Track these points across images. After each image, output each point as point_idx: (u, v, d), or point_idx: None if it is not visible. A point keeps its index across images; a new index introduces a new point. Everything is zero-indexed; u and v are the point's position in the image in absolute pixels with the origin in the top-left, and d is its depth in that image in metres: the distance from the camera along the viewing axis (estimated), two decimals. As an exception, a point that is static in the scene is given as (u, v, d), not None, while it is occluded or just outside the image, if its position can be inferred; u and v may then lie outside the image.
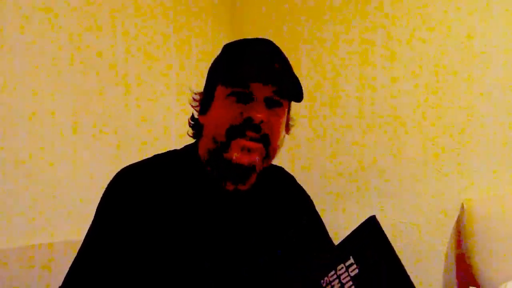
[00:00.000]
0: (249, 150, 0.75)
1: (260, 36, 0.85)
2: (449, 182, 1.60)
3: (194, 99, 0.85)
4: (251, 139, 0.75)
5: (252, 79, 0.75)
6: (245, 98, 0.76)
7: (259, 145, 0.76)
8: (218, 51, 0.86)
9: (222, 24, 2.01)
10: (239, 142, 0.75)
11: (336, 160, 1.81)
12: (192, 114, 0.87)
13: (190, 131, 0.87)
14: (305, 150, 1.85)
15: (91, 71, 1.48)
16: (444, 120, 1.61)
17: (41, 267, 1.17)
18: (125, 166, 0.80)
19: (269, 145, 0.78)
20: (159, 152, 0.86)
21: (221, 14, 2.02)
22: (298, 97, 0.79)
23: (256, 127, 0.75)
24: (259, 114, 0.75)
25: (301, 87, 0.78)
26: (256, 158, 0.76)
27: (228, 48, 0.83)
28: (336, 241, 0.95)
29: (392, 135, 1.70)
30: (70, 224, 1.34)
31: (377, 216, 1.89)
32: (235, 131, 0.75)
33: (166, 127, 1.69)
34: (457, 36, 1.59)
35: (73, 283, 0.74)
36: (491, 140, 1.54)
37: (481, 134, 1.56)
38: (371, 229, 0.67)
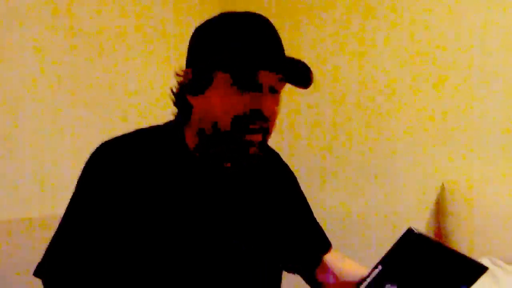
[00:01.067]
0: (252, 144, 0.74)
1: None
2: (430, 163, 1.63)
3: (178, 74, 0.80)
4: (256, 131, 0.74)
5: (263, 68, 0.71)
6: (251, 87, 0.72)
7: (260, 137, 0.74)
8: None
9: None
10: (245, 136, 0.73)
11: (321, 141, 1.82)
12: (173, 91, 0.81)
13: (174, 110, 0.83)
14: (292, 130, 1.86)
15: (78, 43, 1.45)
16: (427, 102, 1.63)
17: (24, 241, 1.16)
18: (106, 140, 0.79)
19: (268, 133, 0.76)
20: (144, 126, 0.84)
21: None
22: (309, 83, 0.75)
23: (265, 118, 0.73)
24: (269, 106, 0.73)
25: (312, 74, 0.74)
26: (257, 150, 0.75)
27: (225, 27, 0.76)
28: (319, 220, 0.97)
29: (375, 116, 1.71)
30: (55, 198, 1.32)
31: (359, 197, 1.92)
32: (241, 122, 0.73)
33: (154, 100, 1.66)
34: (440, 23, 1.60)
35: (52, 261, 0.73)
36: (473, 123, 1.56)
37: (463, 117, 1.58)
38: (410, 242, 0.55)
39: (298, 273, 0.92)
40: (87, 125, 1.45)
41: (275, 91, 0.76)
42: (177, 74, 0.80)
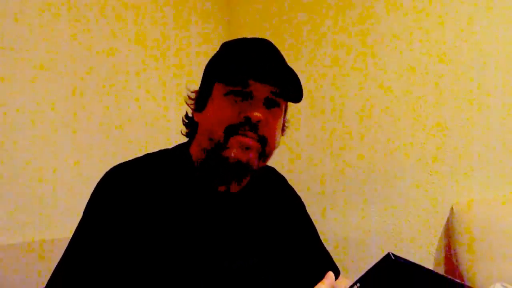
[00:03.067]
0: (247, 148, 0.74)
1: (257, 35, 0.84)
2: (439, 185, 1.61)
3: (189, 97, 0.84)
4: (249, 137, 0.75)
5: (252, 77, 0.74)
6: (243, 97, 0.75)
7: (257, 144, 0.75)
8: (214, 49, 0.85)
9: (218, 23, 2.01)
10: (237, 139, 0.74)
11: (325, 163, 1.81)
12: (187, 112, 0.87)
13: (184, 129, 0.86)
14: (300, 152, 1.85)
15: (88, 69, 1.47)
16: (435, 124, 1.62)
17: (29, 265, 1.16)
18: (115, 165, 0.79)
19: (266, 145, 0.77)
20: (154, 151, 0.85)
21: (218, 13, 2.02)
22: (298, 98, 0.78)
23: (254, 127, 0.74)
24: (257, 114, 0.74)
25: (301, 88, 0.78)
26: (253, 156, 0.75)
27: (227, 46, 0.82)
28: (325, 243, 0.95)
29: (382, 139, 1.71)
30: (63, 221, 1.32)
31: (366, 219, 1.89)
32: (233, 130, 0.74)
33: (162, 125, 1.68)
34: (449, 41, 1.60)
35: (57, 284, 0.73)
36: (481, 144, 1.55)
37: (471, 138, 1.56)
38: (387, 267, 0.56)
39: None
40: (88, 152, 1.45)
41: (271, 105, 0.77)
42: (189, 97, 0.84)
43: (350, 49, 1.78)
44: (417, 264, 0.59)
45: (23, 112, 1.30)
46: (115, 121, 1.54)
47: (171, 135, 1.64)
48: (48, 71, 1.37)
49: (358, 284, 0.56)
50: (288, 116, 0.86)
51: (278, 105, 0.78)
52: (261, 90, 0.75)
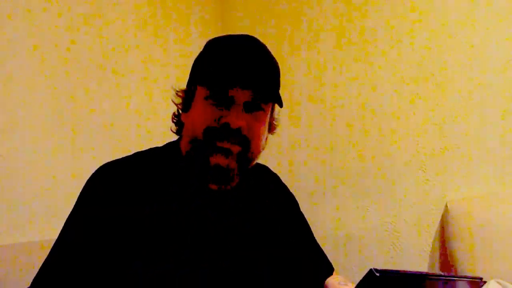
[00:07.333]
0: (227, 153, 0.74)
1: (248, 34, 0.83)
2: (433, 183, 1.61)
3: (177, 95, 0.84)
4: (229, 142, 0.75)
5: (232, 84, 0.74)
6: (223, 101, 0.75)
7: (237, 148, 0.75)
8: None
9: (210, 21, 2.01)
10: (217, 144, 0.74)
11: (322, 161, 1.81)
12: (177, 109, 0.87)
13: (174, 127, 0.86)
14: (294, 150, 1.86)
15: (79, 66, 1.47)
16: (429, 121, 1.62)
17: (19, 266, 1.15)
18: (105, 163, 0.79)
19: (248, 150, 0.77)
20: (145, 148, 0.85)
21: (211, 12, 2.02)
22: (278, 103, 0.78)
23: (234, 133, 0.74)
24: (237, 121, 0.74)
25: (278, 93, 0.77)
26: (233, 161, 0.75)
27: (209, 46, 0.81)
28: (320, 241, 0.95)
29: (377, 137, 1.71)
30: (52, 222, 1.32)
31: (362, 217, 1.89)
32: (212, 134, 0.75)
33: (155, 123, 1.68)
34: (440, 42, 1.60)
35: (43, 281, 0.72)
36: (475, 141, 1.55)
37: (465, 135, 1.57)
38: (373, 283, 0.53)
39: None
40: (85, 151, 1.45)
41: (253, 109, 0.76)
42: (177, 94, 0.84)
43: (346, 47, 1.78)
44: (401, 272, 0.57)
45: (17, 113, 1.30)
46: (108, 120, 1.54)
47: (164, 132, 1.65)
48: (42, 71, 1.37)
49: None
50: (278, 114, 0.86)
51: (261, 108, 0.78)
52: (240, 95, 0.75)
